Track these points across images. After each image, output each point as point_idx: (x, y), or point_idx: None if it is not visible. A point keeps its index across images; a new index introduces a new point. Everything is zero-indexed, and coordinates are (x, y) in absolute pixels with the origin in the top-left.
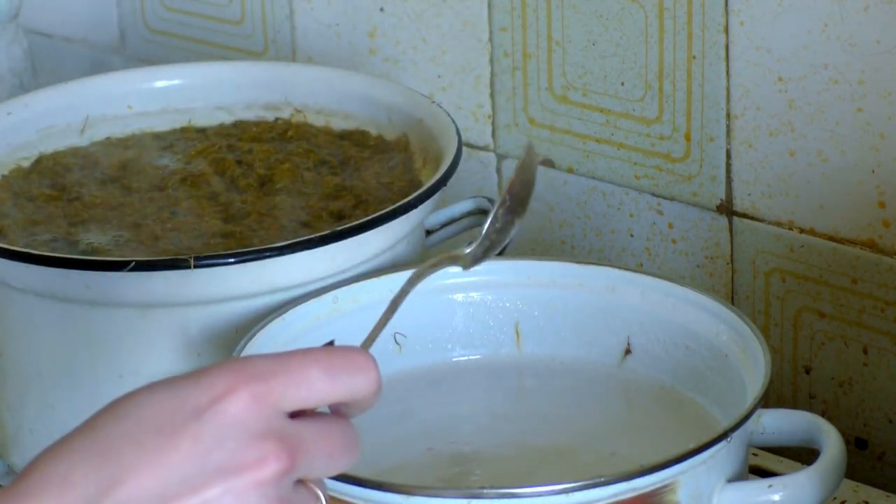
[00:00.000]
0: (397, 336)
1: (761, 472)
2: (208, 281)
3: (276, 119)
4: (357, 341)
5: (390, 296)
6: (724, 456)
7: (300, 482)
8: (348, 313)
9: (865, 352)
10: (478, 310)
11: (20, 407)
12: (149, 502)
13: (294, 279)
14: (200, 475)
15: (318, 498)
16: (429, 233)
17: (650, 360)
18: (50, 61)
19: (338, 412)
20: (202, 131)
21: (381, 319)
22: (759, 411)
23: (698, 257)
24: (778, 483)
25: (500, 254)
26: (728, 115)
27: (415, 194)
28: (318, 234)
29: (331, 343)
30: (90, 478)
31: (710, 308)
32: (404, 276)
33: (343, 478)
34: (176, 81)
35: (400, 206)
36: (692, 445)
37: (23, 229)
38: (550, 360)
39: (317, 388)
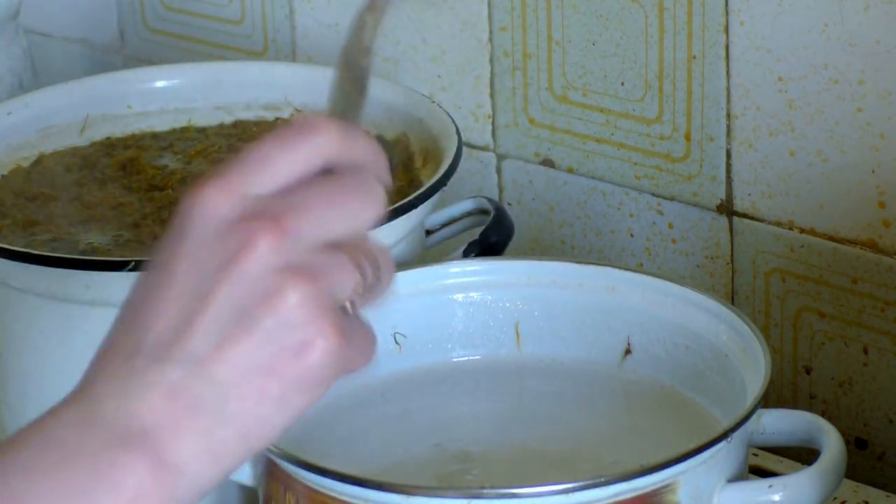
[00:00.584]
0: (397, 336)
1: (761, 472)
2: None
3: (276, 119)
4: None
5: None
6: (724, 456)
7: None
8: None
9: (865, 352)
10: (478, 310)
11: (20, 407)
12: (199, 343)
13: None
14: (242, 309)
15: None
16: (429, 233)
17: (650, 360)
18: (50, 61)
19: None
20: (202, 131)
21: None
22: (759, 411)
23: (698, 257)
24: (778, 483)
25: (499, 252)
26: (728, 115)
27: (415, 194)
28: None
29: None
30: (126, 336)
31: (710, 308)
32: (404, 275)
33: (343, 478)
34: (176, 81)
35: (400, 206)
36: (692, 445)
37: (23, 229)
38: (550, 360)
39: (334, 221)
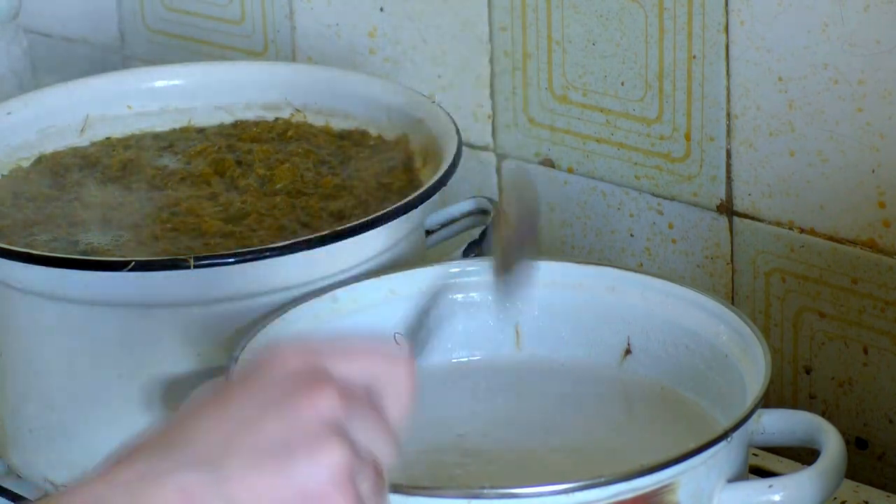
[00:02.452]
0: (397, 336)
1: (761, 472)
2: (208, 281)
3: (276, 119)
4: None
5: (390, 296)
6: (724, 456)
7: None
8: (348, 313)
9: (865, 352)
10: (478, 310)
11: (20, 407)
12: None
13: (294, 279)
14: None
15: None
16: (429, 233)
17: (650, 360)
18: (50, 61)
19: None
20: (202, 131)
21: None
22: (759, 411)
23: (698, 257)
24: (778, 483)
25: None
26: (728, 115)
27: (415, 194)
28: (318, 234)
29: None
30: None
31: (710, 308)
32: (404, 275)
33: None
34: (176, 81)
35: (400, 206)
36: (692, 445)
37: (23, 229)
38: (550, 360)
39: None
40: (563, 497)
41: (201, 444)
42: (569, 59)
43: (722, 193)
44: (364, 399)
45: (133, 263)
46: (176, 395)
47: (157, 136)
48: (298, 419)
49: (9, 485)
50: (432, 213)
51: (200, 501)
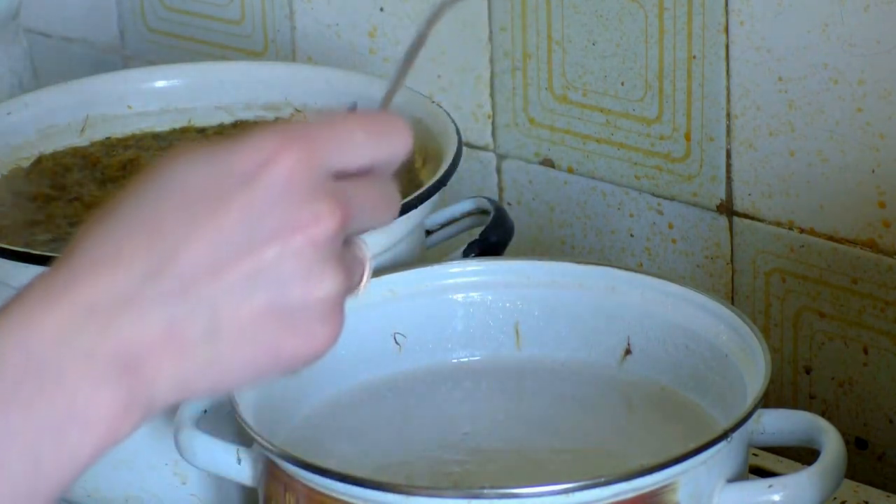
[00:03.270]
0: (397, 336)
1: (761, 472)
2: None
3: (276, 119)
4: (358, 342)
5: (390, 296)
6: (724, 456)
7: (346, 241)
8: (348, 313)
9: (865, 352)
10: (478, 310)
11: None
12: (204, 272)
13: None
14: (255, 240)
15: (363, 254)
16: (429, 233)
17: (650, 360)
18: (50, 61)
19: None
20: (202, 131)
21: (399, 72)
22: (759, 411)
23: (698, 257)
24: (778, 483)
25: (499, 252)
26: (728, 115)
27: (415, 194)
28: None
29: (353, 105)
30: (142, 253)
31: (710, 308)
32: (404, 275)
33: (343, 478)
34: (176, 81)
35: (400, 206)
36: (692, 445)
37: (23, 229)
38: (550, 360)
39: (361, 149)
40: (562, 497)
41: (189, 274)
42: (569, 59)
43: (722, 193)
44: (366, 197)
45: None
46: None
47: (157, 136)
48: (294, 251)
49: None
50: (432, 213)
51: (184, 337)
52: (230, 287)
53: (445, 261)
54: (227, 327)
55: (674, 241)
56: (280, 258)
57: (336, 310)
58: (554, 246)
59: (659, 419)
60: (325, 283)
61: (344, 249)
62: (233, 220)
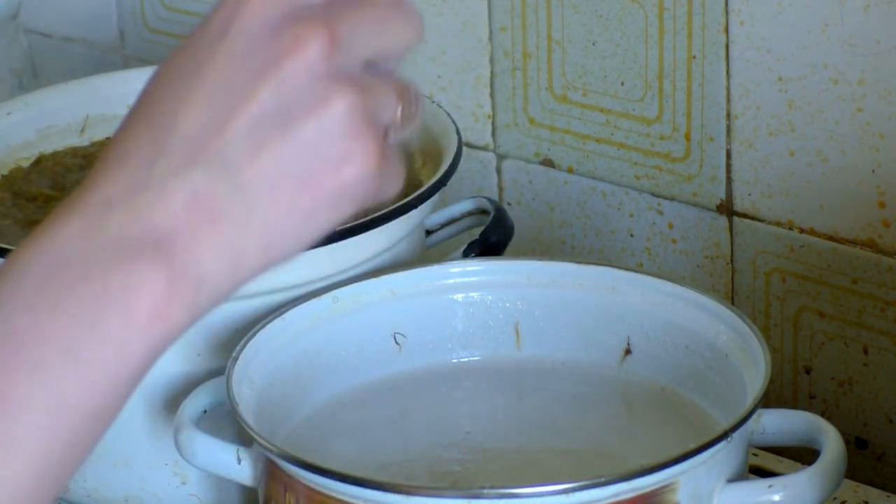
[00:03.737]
0: (397, 336)
1: (761, 472)
2: None
3: None
4: (358, 343)
5: (390, 296)
6: (724, 456)
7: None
8: (348, 313)
9: (865, 352)
10: (478, 310)
11: None
12: (207, 132)
13: (294, 279)
14: (245, 83)
15: (400, 80)
16: (429, 233)
17: (650, 360)
18: (50, 61)
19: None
20: None
21: None
22: (759, 411)
23: (698, 257)
24: (778, 483)
25: (499, 252)
26: (728, 115)
27: (415, 194)
28: None
29: None
30: (144, 140)
31: (710, 308)
32: (404, 275)
33: (343, 478)
34: None
35: (400, 206)
36: (692, 445)
37: (23, 229)
38: (550, 360)
39: (385, 37)
40: (562, 497)
41: (194, 137)
42: (569, 59)
43: (722, 193)
44: (356, 13)
45: None
46: (176, 395)
47: None
48: (290, 80)
49: None
50: (432, 214)
51: (211, 201)
52: (238, 137)
53: (445, 261)
54: (251, 178)
55: (674, 241)
56: (277, 92)
57: (362, 125)
58: (554, 246)
59: (659, 419)
60: (334, 102)
61: (373, 77)
62: (218, 73)
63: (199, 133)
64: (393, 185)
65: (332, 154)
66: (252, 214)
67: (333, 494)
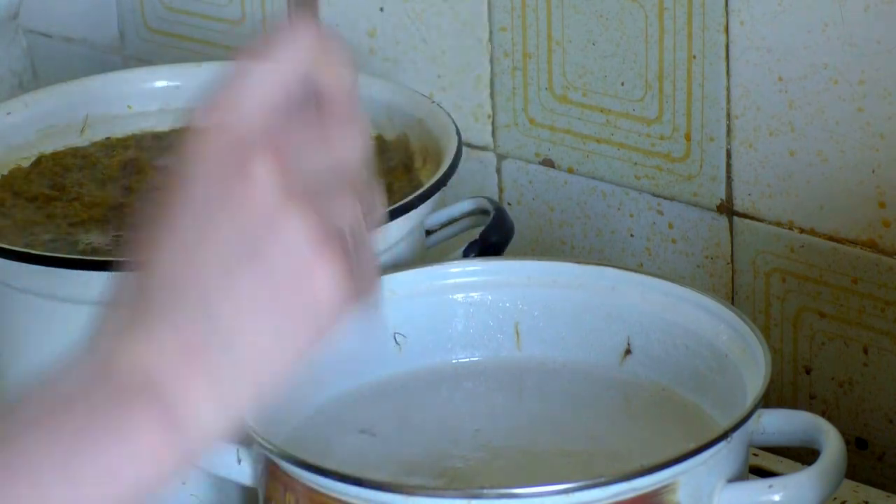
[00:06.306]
0: (397, 336)
1: (761, 472)
2: None
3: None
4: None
5: (390, 296)
6: (724, 456)
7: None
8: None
9: (865, 352)
10: (478, 310)
11: None
12: (180, 276)
13: None
14: (206, 222)
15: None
16: (429, 233)
17: (650, 360)
18: (50, 61)
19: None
20: None
21: None
22: (760, 411)
23: (698, 257)
24: (778, 483)
25: (499, 252)
26: (728, 115)
27: (415, 194)
28: None
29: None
30: (127, 290)
31: (710, 308)
32: (404, 275)
33: (343, 478)
34: (176, 81)
35: (400, 206)
36: (692, 445)
37: (23, 229)
38: (550, 360)
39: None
40: (562, 497)
41: (171, 281)
42: (569, 59)
43: (722, 193)
44: (304, 132)
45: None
46: None
47: (157, 136)
48: (245, 209)
49: None
50: (432, 213)
51: (195, 339)
52: (210, 274)
53: (445, 261)
54: (229, 312)
55: (674, 241)
56: (235, 223)
57: (322, 238)
58: (554, 246)
59: (659, 419)
60: (290, 221)
61: (328, 186)
62: (186, 217)
63: (175, 276)
64: (369, 288)
65: (299, 272)
66: (234, 347)
67: (333, 494)
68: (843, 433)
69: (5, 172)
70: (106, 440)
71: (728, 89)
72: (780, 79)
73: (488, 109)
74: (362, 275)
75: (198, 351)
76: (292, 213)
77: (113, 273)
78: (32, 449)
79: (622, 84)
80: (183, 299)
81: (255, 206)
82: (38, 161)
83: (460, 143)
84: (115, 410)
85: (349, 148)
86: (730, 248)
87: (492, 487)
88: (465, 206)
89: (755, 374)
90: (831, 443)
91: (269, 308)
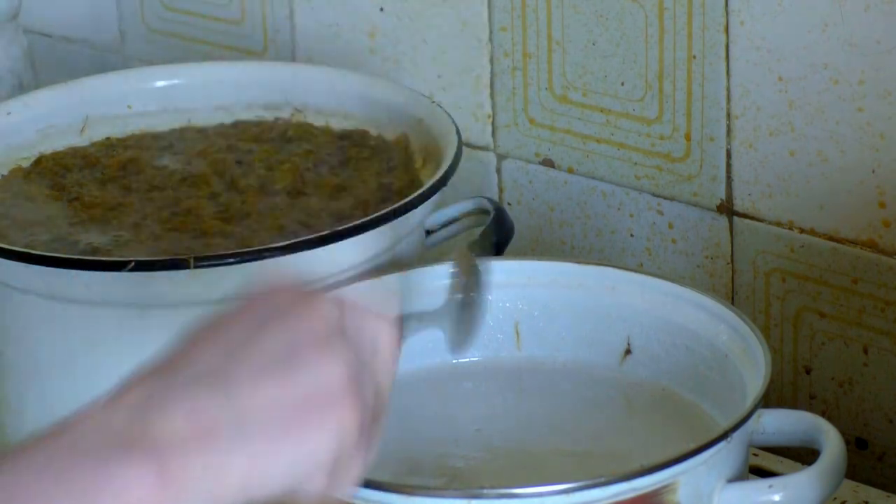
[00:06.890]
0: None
1: (761, 472)
2: (208, 281)
3: (276, 119)
4: None
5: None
6: (724, 456)
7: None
8: None
9: (865, 352)
10: None
11: (20, 407)
12: (214, 370)
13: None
14: (260, 339)
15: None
16: (429, 233)
17: (650, 360)
18: (50, 61)
19: None
20: (202, 131)
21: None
22: (760, 411)
23: (698, 257)
24: (778, 483)
25: (499, 252)
26: (728, 115)
27: (415, 194)
28: (318, 234)
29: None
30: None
31: (710, 308)
32: (404, 275)
33: None
34: (176, 81)
35: (400, 206)
36: (692, 445)
37: (23, 229)
38: (550, 360)
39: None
40: (562, 497)
41: (204, 363)
42: (569, 59)
43: (722, 193)
44: (360, 309)
45: (133, 263)
46: None
47: (157, 136)
48: (301, 327)
49: None
50: (432, 213)
51: (209, 418)
52: (247, 365)
53: (445, 261)
54: (250, 405)
55: (674, 241)
56: (288, 332)
57: (353, 387)
58: (554, 246)
59: (659, 419)
60: (337, 357)
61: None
62: (240, 315)
63: (210, 363)
64: (367, 455)
65: (323, 400)
66: (242, 437)
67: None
68: (843, 433)
69: (5, 172)
70: (100, 489)
71: (728, 89)
72: (780, 79)
73: (488, 109)
74: (367, 437)
75: (209, 426)
76: (341, 350)
77: (112, 273)
78: (33, 494)
79: (622, 84)
80: (211, 378)
81: (311, 327)
82: (38, 161)
83: (460, 143)
84: (113, 462)
85: (385, 340)
86: (730, 248)
87: (492, 487)
88: (465, 206)
89: (755, 374)
90: (831, 443)
91: (285, 414)
